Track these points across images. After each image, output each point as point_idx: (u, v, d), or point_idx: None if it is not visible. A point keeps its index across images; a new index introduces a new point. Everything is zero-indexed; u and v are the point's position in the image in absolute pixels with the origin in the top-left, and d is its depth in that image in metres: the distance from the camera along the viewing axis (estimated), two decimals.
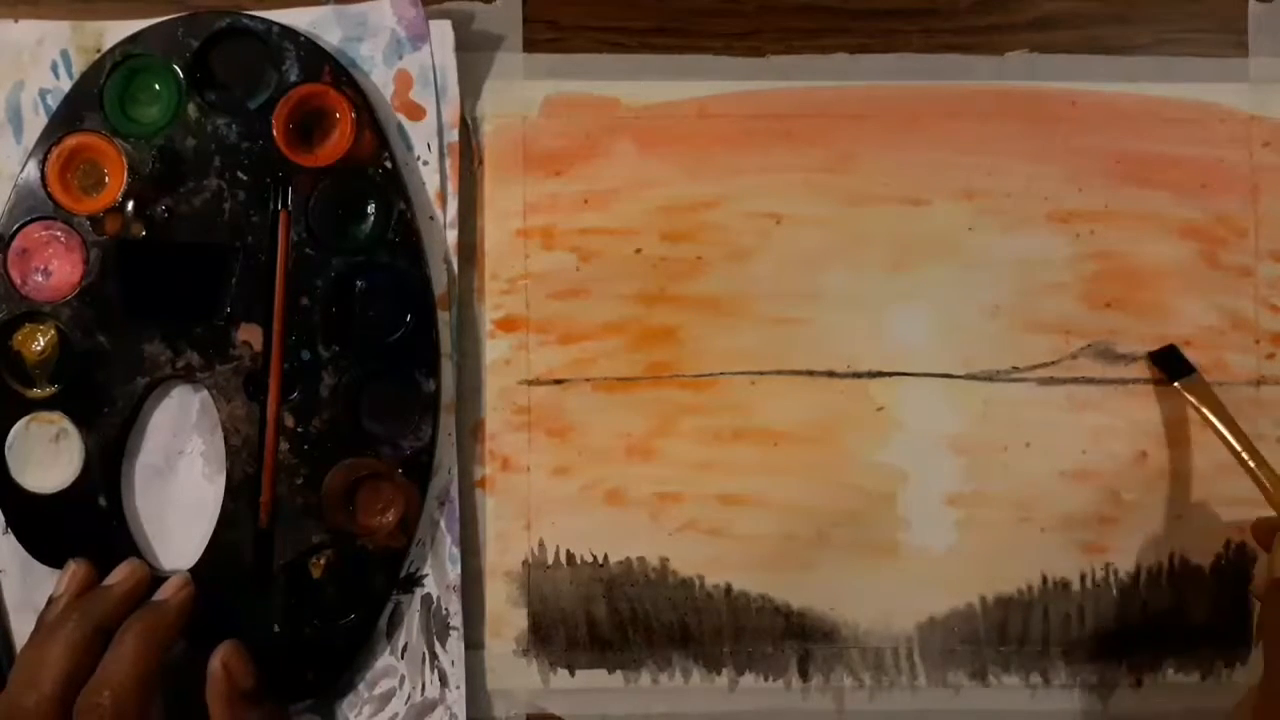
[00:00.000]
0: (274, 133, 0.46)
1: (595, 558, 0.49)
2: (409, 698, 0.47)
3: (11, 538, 0.46)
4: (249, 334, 0.46)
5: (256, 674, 0.44)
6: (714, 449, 0.49)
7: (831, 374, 0.49)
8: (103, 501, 0.46)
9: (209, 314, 0.46)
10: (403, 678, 0.47)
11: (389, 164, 0.46)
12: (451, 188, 0.48)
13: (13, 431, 0.45)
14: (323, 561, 0.46)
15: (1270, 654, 0.42)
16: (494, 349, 0.49)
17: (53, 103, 0.47)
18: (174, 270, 0.46)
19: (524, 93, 0.49)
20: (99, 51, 0.47)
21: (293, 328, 0.46)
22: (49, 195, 0.45)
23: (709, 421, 0.49)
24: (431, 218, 0.48)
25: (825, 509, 0.49)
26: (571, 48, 0.49)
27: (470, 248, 0.49)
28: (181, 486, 0.47)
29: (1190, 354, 0.49)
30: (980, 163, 0.50)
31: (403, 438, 0.46)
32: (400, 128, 0.48)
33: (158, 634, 0.42)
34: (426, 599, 0.47)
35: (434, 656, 0.47)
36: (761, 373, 0.49)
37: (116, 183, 0.46)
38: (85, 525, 0.46)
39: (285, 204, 0.46)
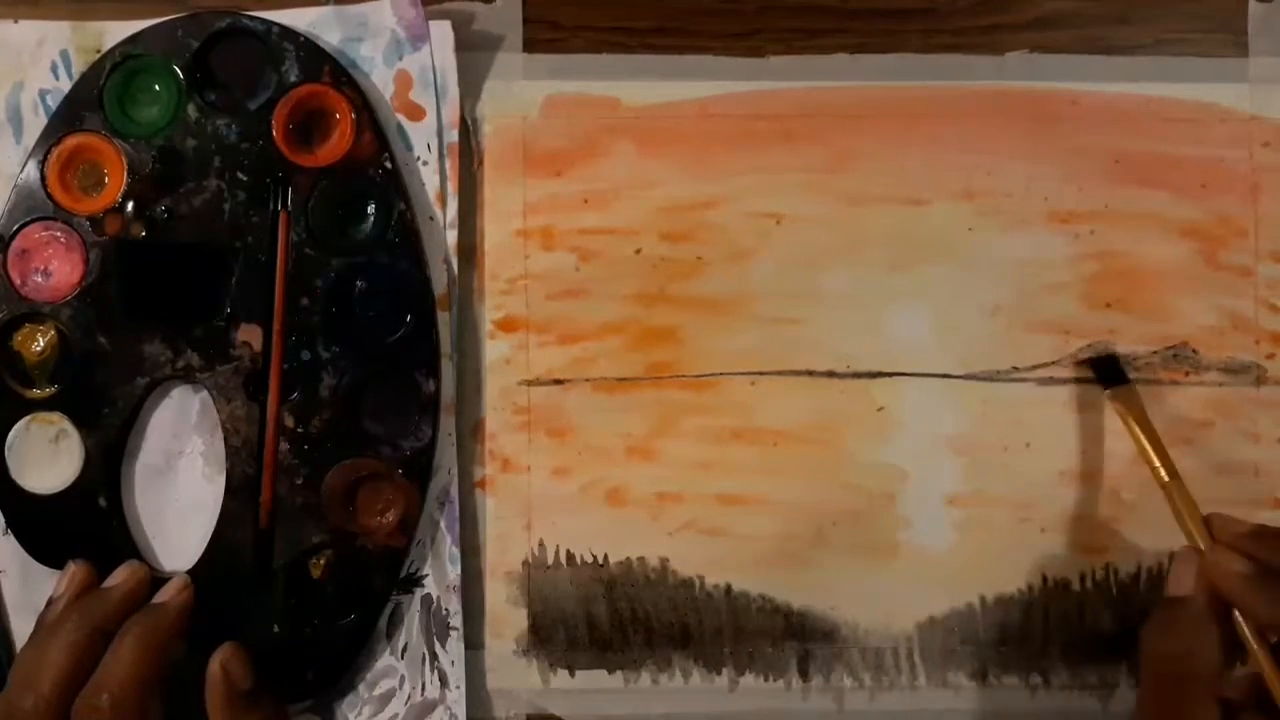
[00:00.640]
0: (274, 133, 0.46)
1: (595, 558, 0.49)
2: (409, 698, 0.47)
3: (11, 538, 0.46)
4: (249, 334, 0.46)
5: (255, 676, 0.44)
6: (714, 449, 0.49)
7: (832, 374, 0.49)
8: (102, 502, 0.46)
9: (209, 314, 0.46)
10: (403, 678, 0.47)
11: (389, 164, 0.46)
12: (451, 188, 0.48)
13: (13, 432, 0.45)
14: (323, 562, 0.46)
15: (1144, 672, 0.42)
16: (494, 349, 0.49)
17: (53, 103, 0.47)
18: (174, 270, 0.46)
19: (524, 93, 0.49)
20: (99, 52, 0.46)
21: (292, 328, 0.46)
22: (49, 196, 0.45)
23: (709, 421, 0.49)
24: (431, 218, 0.48)
25: (825, 509, 0.49)
26: (571, 48, 0.49)
27: (470, 248, 0.49)
28: (181, 487, 0.47)
29: (1191, 354, 0.49)
30: (980, 163, 0.49)
31: (403, 438, 0.46)
32: (400, 128, 0.48)
33: (157, 636, 0.42)
34: (426, 599, 0.47)
35: (434, 657, 0.47)
36: (761, 373, 0.49)
37: (116, 183, 0.46)
38: (85, 526, 0.45)
39: (285, 204, 0.46)
